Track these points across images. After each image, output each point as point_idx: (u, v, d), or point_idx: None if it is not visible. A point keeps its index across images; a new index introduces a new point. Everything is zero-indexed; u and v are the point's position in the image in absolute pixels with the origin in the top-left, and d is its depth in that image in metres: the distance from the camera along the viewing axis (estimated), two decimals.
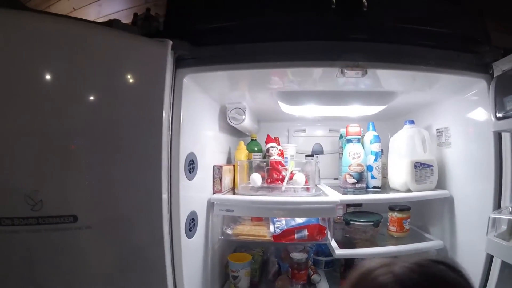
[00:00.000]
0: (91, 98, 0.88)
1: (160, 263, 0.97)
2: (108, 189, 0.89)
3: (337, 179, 1.82)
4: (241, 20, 1.14)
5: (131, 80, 0.93)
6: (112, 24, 0.98)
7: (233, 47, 1.10)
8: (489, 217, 1.10)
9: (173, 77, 1.06)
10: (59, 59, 0.84)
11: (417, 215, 1.62)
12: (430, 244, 1.44)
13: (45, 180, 0.82)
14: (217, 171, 1.44)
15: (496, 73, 1.14)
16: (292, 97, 1.43)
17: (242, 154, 1.66)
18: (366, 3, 1.09)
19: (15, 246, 0.80)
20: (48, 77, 0.83)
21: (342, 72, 1.09)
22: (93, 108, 0.88)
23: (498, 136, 1.17)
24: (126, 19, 2.35)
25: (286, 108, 1.52)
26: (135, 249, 0.94)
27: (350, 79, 1.15)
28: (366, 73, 1.10)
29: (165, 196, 0.99)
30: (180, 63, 1.08)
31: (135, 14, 2.22)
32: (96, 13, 2.56)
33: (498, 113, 1.09)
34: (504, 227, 1.09)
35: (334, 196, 1.38)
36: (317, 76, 1.22)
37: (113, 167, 0.90)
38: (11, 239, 0.79)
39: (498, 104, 1.09)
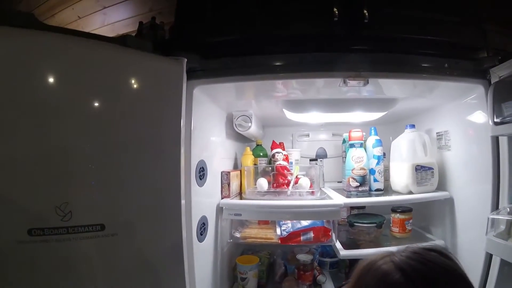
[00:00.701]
0: (114, 114, 0.93)
1: (179, 266, 1.02)
2: (132, 197, 0.94)
3: (341, 182, 1.87)
4: (249, 33, 1.19)
5: (151, 97, 0.99)
6: (126, 40, 1.02)
7: (241, 59, 1.14)
8: (488, 218, 1.13)
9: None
10: (90, 80, 0.90)
11: (419, 216, 1.65)
12: (432, 244, 1.48)
13: (74, 192, 0.86)
14: (225, 177, 1.49)
15: (494, 79, 1.17)
16: (297, 105, 1.48)
17: (248, 159, 1.71)
18: (367, 15, 1.13)
19: (45, 255, 0.84)
20: (74, 95, 0.88)
21: (344, 82, 1.13)
22: (116, 124, 0.93)
23: (495, 140, 1.21)
24: (131, 27, 2.38)
25: (290, 115, 1.56)
26: (156, 252, 1.00)
27: (352, 87, 1.20)
28: (368, 82, 1.14)
29: (183, 202, 1.04)
30: (190, 75, 1.12)
31: (141, 23, 2.25)
32: (101, 21, 2.57)
33: (496, 119, 1.12)
34: (502, 227, 1.13)
35: (338, 199, 1.42)
36: (321, 85, 1.26)
37: (137, 176, 0.95)
38: (42, 249, 0.83)
39: (496, 110, 1.12)
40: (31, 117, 0.83)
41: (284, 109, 1.49)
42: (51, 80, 0.85)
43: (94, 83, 0.90)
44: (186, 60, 1.06)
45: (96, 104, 0.90)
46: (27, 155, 0.83)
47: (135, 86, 0.97)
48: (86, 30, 2.50)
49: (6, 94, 0.81)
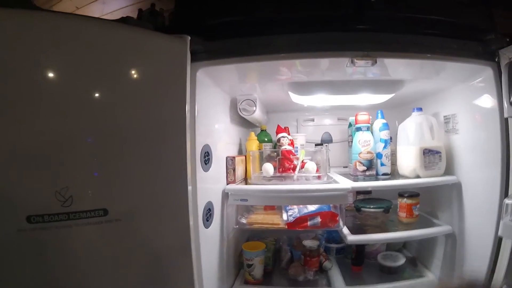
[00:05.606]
0: (115, 96, 0.89)
1: (186, 252, 1.00)
2: (136, 182, 0.91)
3: (346, 167, 1.86)
4: (253, 13, 1.16)
5: (154, 76, 0.94)
6: (126, 21, 1.00)
7: (245, 40, 1.12)
8: (504, 203, 1.10)
9: None
10: (89, 60, 0.86)
11: (426, 201, 1.63)
12: (439, 230, 1.47)
13: (75, 177, 0.82)
14: (230, 162, 1.47)
15: (504, 60, 1.15)
16: (303, 87, 1.45)
17: (253, 144, 1.69)
18: None
19: (46, 243, 0.81)
20: (71, 77, 0.84)
21: (352, 62, 1.10)
22: (118, 106, 0.89)
23: (505, 123, 1.18)
24: (131, 15, 2.36)
25: (296, 98, 1.54)
26: (162, 238, 0.97)
27: (359, 68, 1.17)
28: (376, 62, 1.11)
29: (190, 188, 1.01)
30: (193, 57, 1.08)
31: (140, 10, 2.22)
32: (99, 11, 2.54)
33: None
34: None
35: (346, 183, 1.40)
36: (326, 67, 1.24)
37: (141, 160, 0.92)
38: (41, 236, 0.79)
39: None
40: (30, 101, 0.80)
41: (289, 92, 1.47)
42: (49, 61, 0.82)
43: (92, 63, 0.86)
44: (189, 38, 1.03)
45: (96, 86, 0.86)
46: (25, 139, 0.79)
47: (136, 65, 0.92)
48: None
49: (4, 78, 0.77)
